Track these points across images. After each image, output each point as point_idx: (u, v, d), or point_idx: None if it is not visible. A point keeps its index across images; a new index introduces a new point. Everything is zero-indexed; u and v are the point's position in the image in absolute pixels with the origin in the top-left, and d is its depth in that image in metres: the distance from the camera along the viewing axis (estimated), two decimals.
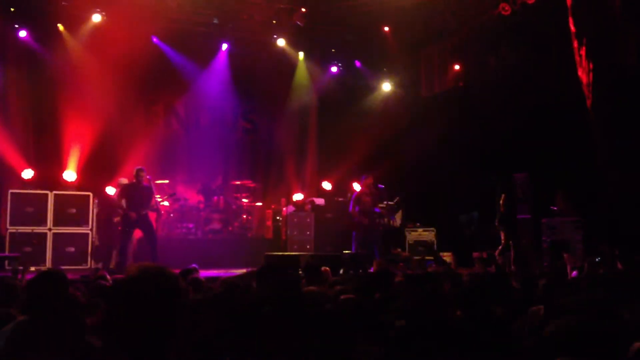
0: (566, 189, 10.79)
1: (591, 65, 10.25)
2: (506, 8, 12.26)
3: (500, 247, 10.80)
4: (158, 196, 11.60)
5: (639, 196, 9.73)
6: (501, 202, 10.89)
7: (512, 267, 10.07)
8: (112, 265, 10.80)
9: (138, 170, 10.60)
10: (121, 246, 10.46)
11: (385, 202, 12.30)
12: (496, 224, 10.94)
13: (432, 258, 12.33)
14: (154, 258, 10.25)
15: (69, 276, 6.22)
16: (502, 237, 10.82)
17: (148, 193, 10.64)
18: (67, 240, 11.24)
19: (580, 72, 10.40)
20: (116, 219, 11.10)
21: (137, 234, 10.84)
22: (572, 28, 10.51)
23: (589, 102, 10.34)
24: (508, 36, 12.85)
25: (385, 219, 11.71)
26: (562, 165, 11.07)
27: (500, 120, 12.54)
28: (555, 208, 10.85)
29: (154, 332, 2.05)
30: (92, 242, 11.48)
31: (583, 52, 10.35)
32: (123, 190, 10.59)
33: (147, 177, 10.69)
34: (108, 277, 6.52)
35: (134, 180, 10.60)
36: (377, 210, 11.60)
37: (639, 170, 9.91)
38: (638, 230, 9.06)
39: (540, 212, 11.07)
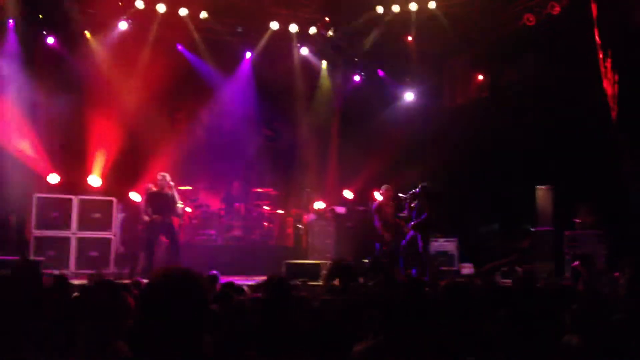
0: (590, 201, 10.66)
1: (616, 77, 10.17)
2: (530, 19, 12.18)
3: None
4: (180, 203, 11.65)
5: None
6: None
7: None
8: (138, 270, 10.84)
9: (161, 176, 10.69)
10: (148, 252, 10.54)
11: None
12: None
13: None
14: (176, 265, 10.30)
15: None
16: None
17: (172, 199, 10.72)
18: (90, 245, 11.31)
19: (605, 84, 10.32)
20: (140, 226, 11.17)
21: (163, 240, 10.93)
22: (598, 40, 10.43)
23: (614, 114, 10.26)
24: (532, 47, 12.76)
25: (405, 229, 11.66)
26: (586, 178, 10.94)
27: (524, 132, 12.46)
28: (578, 220, 10.73)
29: (181, 336, 2.05)
30: (116, 248, 11.56)
31: (608, 63, 10.27)
32: (148, 198, 10.66)
33: (170, 183, 10.77)
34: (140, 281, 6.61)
35: (157, 187, 10.69)
36: (401, 217, 11.59)
37: None
38: None
39: (563, 225, 10.96)
